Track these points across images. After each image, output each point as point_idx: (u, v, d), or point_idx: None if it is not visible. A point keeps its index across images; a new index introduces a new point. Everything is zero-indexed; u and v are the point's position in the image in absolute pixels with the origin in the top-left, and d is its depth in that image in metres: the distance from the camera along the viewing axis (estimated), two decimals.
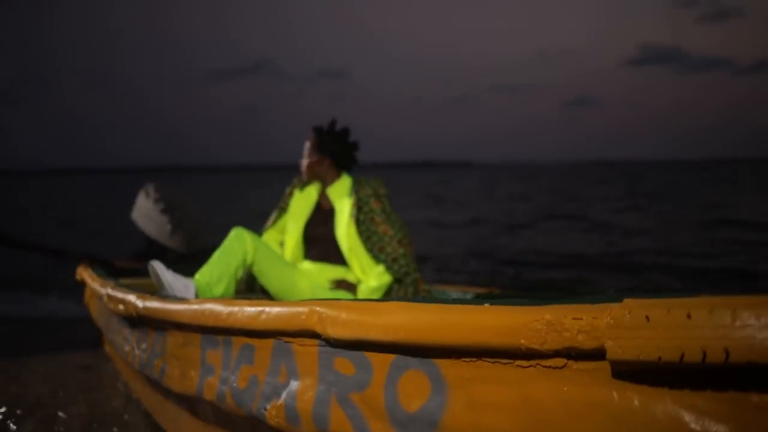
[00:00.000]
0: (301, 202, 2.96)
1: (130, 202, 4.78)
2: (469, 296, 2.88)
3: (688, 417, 0.82)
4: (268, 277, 2.72)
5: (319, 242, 2.87)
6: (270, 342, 1.39)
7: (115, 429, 2.61)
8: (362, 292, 2.72)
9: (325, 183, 2.94)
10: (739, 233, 9.71)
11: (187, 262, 4.62)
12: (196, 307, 1.65)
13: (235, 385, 1.48)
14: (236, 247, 2.61)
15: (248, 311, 1.42)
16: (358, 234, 2.74)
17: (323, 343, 1.24)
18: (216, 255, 2.60)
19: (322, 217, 2.92)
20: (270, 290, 2.77)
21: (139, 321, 2.23)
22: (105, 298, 2.66)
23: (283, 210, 3.03)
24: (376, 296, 2.72)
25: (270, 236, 3.03)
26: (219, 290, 2.53)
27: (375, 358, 1.14)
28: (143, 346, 2.21)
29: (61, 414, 2.79)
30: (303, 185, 3.03)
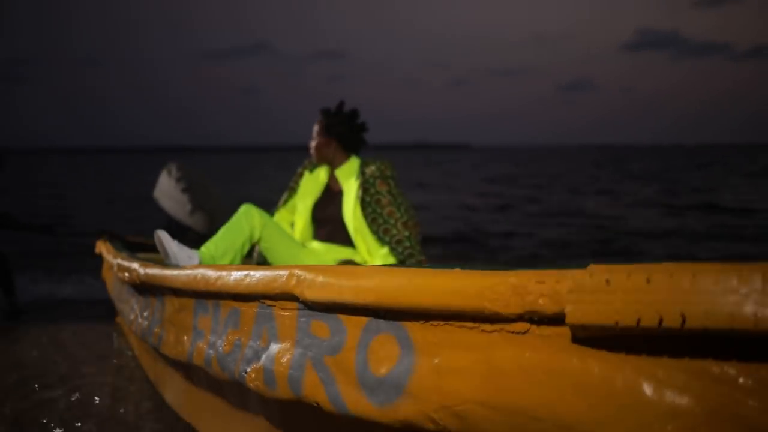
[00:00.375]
0: (311, 183, 2.99)
1: (138, 182, 4.85)
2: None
3: (647, 387, 0.80)
4: (275, 254, 2.73)
5: (327, 223, 2.89)
6: (254, 306, 1.39)
7: (118, 401, 2.65)
8: None
9: (334, 165, 2.96)
10: (726, 218, 9.97)
11: (203, 240, 4.68)
12: (189, 272, 1.66)
13: (221, 349, 1.49)
14: (244, 222, 2.63)
15: (235, 275, 1.43)
16: (363, 215, 2.75)
17: (302, 306, 1.24)
18: (223, 229, 2.63)
19: (330, 198, 2.93)
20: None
21: (142, 289, 2.27)
22: (115, 268, 2.71)
23: (293, 191, 3.05)
24: None
25: (281, 216, 3.05)
26: (223, 263, 2.55)
27: (349, 321, 1.14)
28: (145, 313, 2.24)
29: (78, 387, 2.85)
30: (313, 167, 3.05)
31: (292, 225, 3.04)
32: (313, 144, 2.97)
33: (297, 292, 1.21)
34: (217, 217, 4.73)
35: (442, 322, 0.99)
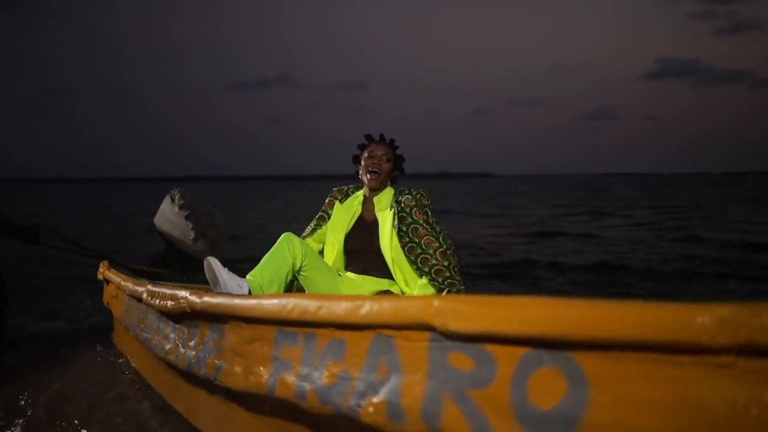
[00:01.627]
0: (343, 213, 2.94)
1: (154, 211, 4.74)
2: None
3: None
4: (314, 284, 2.67)
5: (362, 254, 2.84)
6: (367, 337, 1.34)
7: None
8: None
9: (374, 193, 2.94)
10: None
11: None
12: (275, 301, 1.60)
13: (319, 382, 1.43)
14: (287, 251, 2.58)
15: (344, 306, 1.38)
16: (400, 246, 2.71)
17: (436, 336, 1.20)
18: (266, 258, 2.57)
19: (364, 228, 2.89)
20: None
21: (190, 317, 2.18)
22: (145, 295, 2.61)
23: (323, 219, 3.00)
24: None
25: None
26: (270, 293, 2.48)
27: (500, 353, 1.10)
28: (191, 343, 2.16)
29: (79, 414, 2.72)
30: (344, 196, 3.00)
31: (321, 254, 2.98)
32: (380, 167, 2.90)
33: (436, 322, 1.17)
34: (219, 244, 4.64)
35: (624, 355, 0.96)
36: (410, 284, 2.71)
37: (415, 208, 2.81)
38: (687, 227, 13.83)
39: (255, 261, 2.67)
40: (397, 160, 2.98)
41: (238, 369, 1.79)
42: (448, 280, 2.65)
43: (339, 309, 1.40)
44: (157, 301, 2.42)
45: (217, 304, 1.89)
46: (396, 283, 2.77)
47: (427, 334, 1.22)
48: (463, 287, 2.66)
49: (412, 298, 1.25)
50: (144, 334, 2.76)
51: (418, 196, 2.86)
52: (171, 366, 2.40)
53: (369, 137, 2.98)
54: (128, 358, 3.55)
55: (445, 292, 2.67)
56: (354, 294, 2.74)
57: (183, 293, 2.18)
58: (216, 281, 2.33)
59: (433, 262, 2.69)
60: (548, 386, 1.03)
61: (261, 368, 1.67)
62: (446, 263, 2.70)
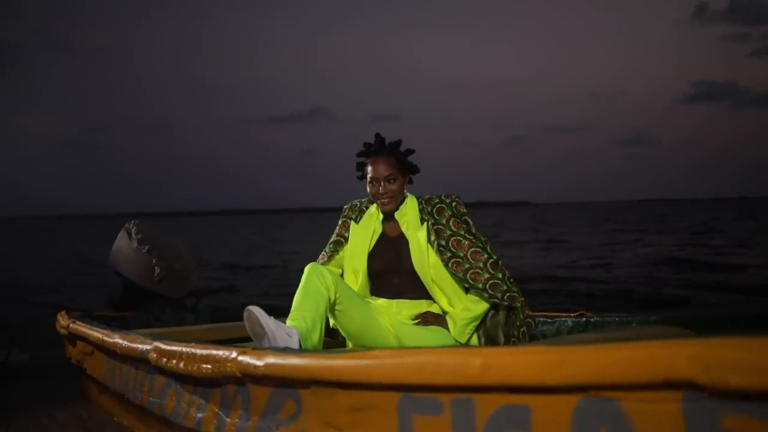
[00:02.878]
0: (361, 234, 2.58)
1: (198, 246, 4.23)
2: (615, 320, 2.57)
3: None
4: (349, 317, 2.34)
5: (390, 276, 2.51)
6: (570, 400, 1.06)
7: None
8: (457, 323, 2.38)
9: (393, 211, 2.55)
10: None
11: (176, 307, 4.11)
12: (397, 360, 1.28)
13: None
14: (320, 284, 2.23)
15: (521, 359, 1.09)
16: (443, 263, 2.40)
17: (696, 395, 0.93)
18: (301, 297, 2.20)
19: (389, 246, 2.55)
20: (348, 331, 2.39)
21: (236, 381, 1.82)
22: (153, 356, 2.21)
23: (340, 244, 2.63)
24: (471, 327, 2.40)
25: None
26: (316, 337, 2.14)
27: None
28: (242, 412, 1.80)
29: None
30: (358, 214, 2.65)
31: None
32: (390, 188, 2.46)
33: (700, 376, 0.90)
34: (187, 278, 4.19)
35: None
36: (455, 303, 2.42)
37: (452, 219, 2.47)
38: None
39: (288, 298, 2.29)
40: (406, 169, 2.52)
41: None
42: (508, 294, 2.35)
43: (511, 365, 1.11)
44: (179, 363, 2.02)
45: (296, 366, 1.54)
46: (435, 303, 2.47)
47: (680, 393, 0.95)
48: (522, 298, 2.38)
49: (639, 344, 0.98)
50: (152, 399, 2.35)
51: (453, 204, 2.50)
52: None
53: (367, 149, 2.52)
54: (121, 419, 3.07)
55: (503, 306, 2.38)
56: (391, 321, 2.43)
57: (223, 353, 1.81)
58: (262, 335, 1.96)
59: (486, 276, 2.38)
60: None
61: None
62: (500, 275, 2.37)
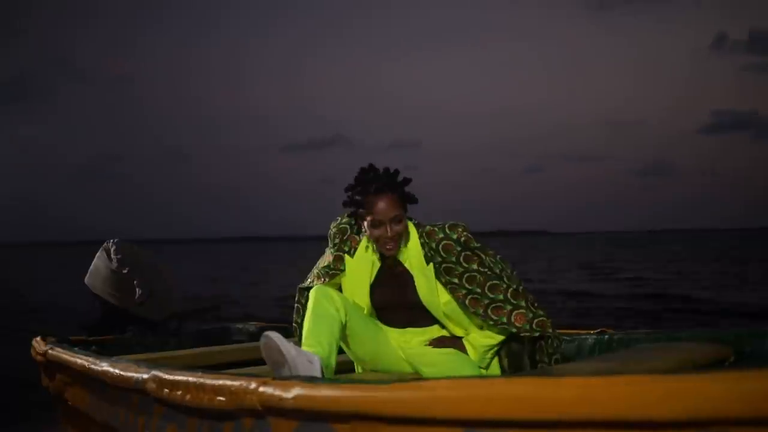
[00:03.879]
0: (359, 268, 2.31)
1: (214, 271, 4.01)
2: (642, 336, 2.45)
3: None
4: (359, 341, 2.18)
5: (396, 309, 2.31)
6: None
7: None
8: (477, 349, 2.22)
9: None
10: None
11: (157, 331, 3.89)
12: (471, 391, 1.14)
13: None
14: (330, 308, 2.07)
15: (644, 389, 0.95)
16: (455, 300, 2.20)
17: None
18: (312, 322, 2.03)
19: (391, 279, 2.29)
20: (358, 355, 2.24)
21: (254, 414, 1.65)
22: (152, 386, 2.02)
23: (336, 274, 2.32)
24: (492, 353, 2.25)
25: None
26: (333, 362, 1.98)
27: None
28: None
29: None
30: (351, 247, 2.32)
31: None
32: (394, 231, 2.16)
33: None
34: (169, 299, 3.98)
35: None
36: (472, 331, 2.25)
37: (463, 254, 2.22)
38: None
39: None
40: (406, 201, 2.22)
41: None
42: (536, 321, 2.15)
43: (614, 397, 0.97)
44: (185, 395, 1.84)
45: (332, 398, 1.38)
46: (445, 328, 2.31)
47: None
48: (550, 320, 2.23)
49: None
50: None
51: (462, 239, 2.23)
52: None
53: (361, 184, 2.19)
54: None
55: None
56: (403, 344, 2.28)
57: (240, 383, 1.64)
58: (282, 363, 1.78)
59: (509, 308, 2.15)
60: None
61: None
62: (523, 303, 2.17)
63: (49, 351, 3.02)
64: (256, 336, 3.84)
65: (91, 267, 3.88)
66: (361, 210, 2.20)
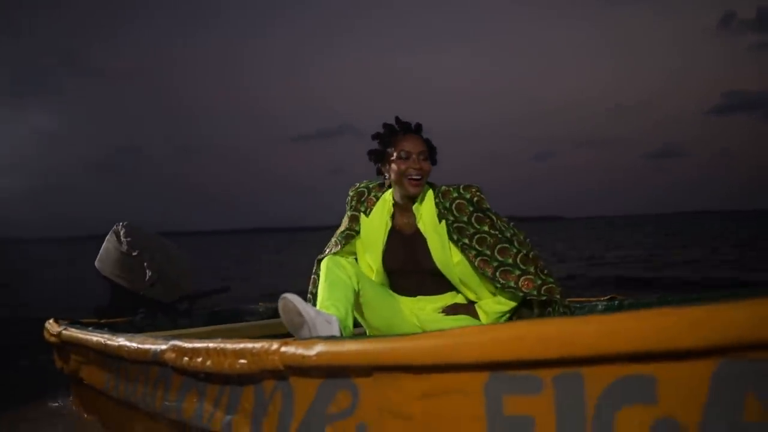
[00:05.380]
0: (373, 229, 2.37)
1: (219, 264, 4.03)
2: (654, 300, 2.48)
3: None
4: (373, 309, 2.21)
5: (407, 274, 2.34)
6: (709, 365, 0.95)
7: None
8: (490, 315, 2.25)
9: (413, 199, 2.34)
10: None
11: (168, 312, 3.92)
12: (489, 336, 1.16)
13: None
14: (342, 275, 2.09)
15: (666, 321, 0.98)
16: (467, 261, 2.24)
17: None
18: (327, 289, 2.05)
19: (402, 243, 2.35)
20: (372, 324, 2.26)
21: (273, 376, 1.67)
22: (171, 355, 2.04)
23: (350, 236, 2.40)
24: (504, 319, 2.28)
25: None
26: (350, 325, 2.00)
27: None
28: (283, 408, 1.66)
29: None
30: (367, 206, 2.41)
31: None
32: (422, 171, 2.26)
33: None
34: (182, 280, 4.01)
35: None
36: (483, 297, 2.28)
37: (475, 214, 2.27)
38: None
39: None
40: (433, 153, 2.35)
41: (406, 427, 1.33)
42: (545, 287, 2.18)
43: (635, 331, 0.99)
44: (206, 361, 1.87)
45: (355, 352, 1.40)
46: (460, 294, 2.34)
47: None
48: (561, 288, 2.26)
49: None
50: (167, 404, 2.18)
51: (475, 199, 2.29)
52: None
53: (396, 125, 2.32)
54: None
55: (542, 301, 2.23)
56: (416, 311, 2.31)
57: (261, 345, 1.66)
58: (301, 323, 1.80)
59: (518, 272, 2.19)
60: None
61: (463, 429, 1.23)
62: (533, 269, 2.20)
63: (63, 331, 3.05)
64: (264, 315, 3.87)
65: (101, 250, 3.91)
66: (388, 149, 2.31)
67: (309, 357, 1.51)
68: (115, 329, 3.48)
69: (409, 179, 2.26)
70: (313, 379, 1.57)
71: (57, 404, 3.52)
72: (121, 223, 3.93)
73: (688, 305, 0.96)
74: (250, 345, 1.70)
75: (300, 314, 1.80)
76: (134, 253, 3.80)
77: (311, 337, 1.66)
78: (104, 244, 3.91)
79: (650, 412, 1.00)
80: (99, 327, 3.35)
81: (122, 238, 3.83)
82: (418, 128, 2.36)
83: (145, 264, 3.80)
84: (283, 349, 1.59)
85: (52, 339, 3.18)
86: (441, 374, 1.26)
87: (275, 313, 3.83)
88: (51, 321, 3.29)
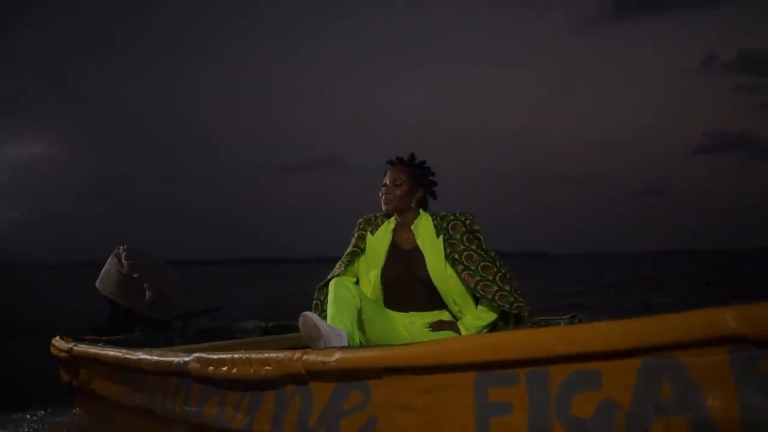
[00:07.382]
0: (377, 245, 2.77)
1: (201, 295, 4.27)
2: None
3: None
4: (372, 324, 2.55)
5: (401, 286, 2.71)
6: (637, 361, 1.33)
7: None
8: (469, 330, 2.62)
9: (407, 219, 2.76)
10: None
11: (163, 330, 4.19)
12: (474, 343, 1.53)
13: (569, 413, 1.39)
14: (347, 295, 2.44)
15: (591, 334, 1.36)
16: (456, 274, 2.61)
17: (742, 348, 1.22)
18: (335, 307, 2.40)
19: (400, 257, 2.73)
20: (371, 337, 2.60)
21: (294, 381, 2.01)
22: (195, 366, 2.35)
23: (356, 255, 2.79)
24: (483, 332, 2.64)
25: None
26: (356, 340, 2.35)
27: None
28: (303, 408, 1.99)
29: None
30: (373, 227, 2.83)
31: None
32: (396, 191, 2.70)
33: (748, 331, 1.19)
34: (177, 300, 4.29)
35: None
36: (465, 312, 2.65)
37: (466, 235, 2.66)
38: None
39: None
40: (416, 178, 2.74)
41: (409, 423, 1.68)
42: (516, 304, 2.55)
43: (584, 336, 1.37)
44: (231, 369, 2.19)
45: (368, 357, 1.76)
46: (445, 311, 2.70)
47: (727, 347, 1.24)
48: (530, 308, 2.63)
49: (691, 314, 1.27)
50: (188, 408, 2.49)
51: (467, 222, 2.69)
52: None
53: (387, 162, 2.80)
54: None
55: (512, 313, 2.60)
56: (408, 326, 2.67)
57: (285, 354, 2.00)
58: (318, 337, 2.15)
59: (495, 288, 2.53)
60: None
61: (457, 415, 1.59)
62: (508, 287, 2.55)
63: (74, 347, 3.32)
64: (254, 333, 4.18)
65: (102, 271, 4.16)
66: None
67: (328, 363, 1.86)
68: (117, 346, 3.75)
69: (382, 200, 2.77)
70: (329, 382, 1.91)
71: (61, 418, 3.73)
72: (122, 247, 4.19)
73: (623, 320, 1.34)
74: (274, 354, 2.04)
75: (317, 329, 2.15)
76: (135, 275, 4.07)
77: (326, 348, 2.01)
78: (105, 266, 4.16)
79: (597, 396, 1.38)
80: (109, 343, 3.62)
81: (123, 261, 4.10)
82: (398, 161, 2.81)
83: (145, 285, 4.07)
84: (305, 357, 1.93)
85: (62, 354, 3.43)
86: (439, 374, 1.63)
87: (265, 332, 4.16)
88: (58, 338, 3.54)
